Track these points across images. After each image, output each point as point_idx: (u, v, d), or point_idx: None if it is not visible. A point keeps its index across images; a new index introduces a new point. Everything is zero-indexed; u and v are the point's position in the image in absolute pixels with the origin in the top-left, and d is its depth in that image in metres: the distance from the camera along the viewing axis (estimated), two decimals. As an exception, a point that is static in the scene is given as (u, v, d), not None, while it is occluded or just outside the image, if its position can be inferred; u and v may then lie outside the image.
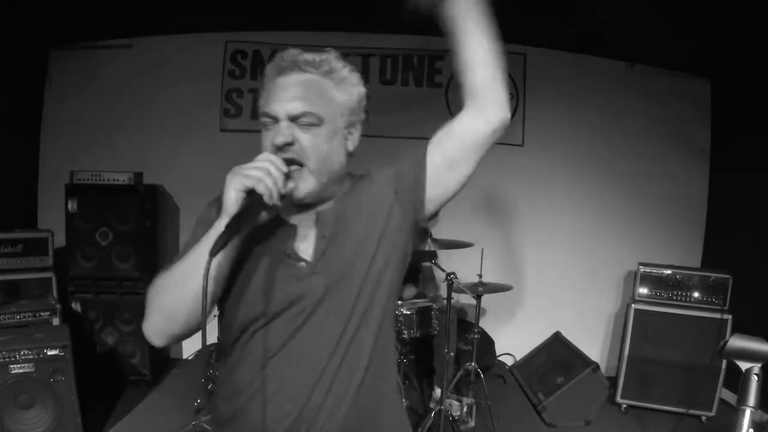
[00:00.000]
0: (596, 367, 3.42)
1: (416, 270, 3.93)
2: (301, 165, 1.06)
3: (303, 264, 1.09)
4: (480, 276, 3.27)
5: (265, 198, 0.97)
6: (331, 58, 1.14)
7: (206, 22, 4.04)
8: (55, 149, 4.14)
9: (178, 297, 1.00)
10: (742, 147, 3.87)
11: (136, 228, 3.67)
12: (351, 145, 1.16)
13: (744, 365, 0.98)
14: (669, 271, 3.68)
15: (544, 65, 4.29)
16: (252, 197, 0.97)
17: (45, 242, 3.36)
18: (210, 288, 0.93)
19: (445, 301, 3.04)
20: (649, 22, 3.47)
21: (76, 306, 3.63)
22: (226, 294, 1.09)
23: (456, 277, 2.95)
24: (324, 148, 1.07)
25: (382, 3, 3.65)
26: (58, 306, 3.19)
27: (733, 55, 3.66)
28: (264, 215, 1.02)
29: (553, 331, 4.16)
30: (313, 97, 1.07)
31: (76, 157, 3.99)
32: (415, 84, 4.33)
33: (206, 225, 1.04)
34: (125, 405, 3.39)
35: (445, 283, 2.96)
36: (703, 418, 3.51)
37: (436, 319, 3.26)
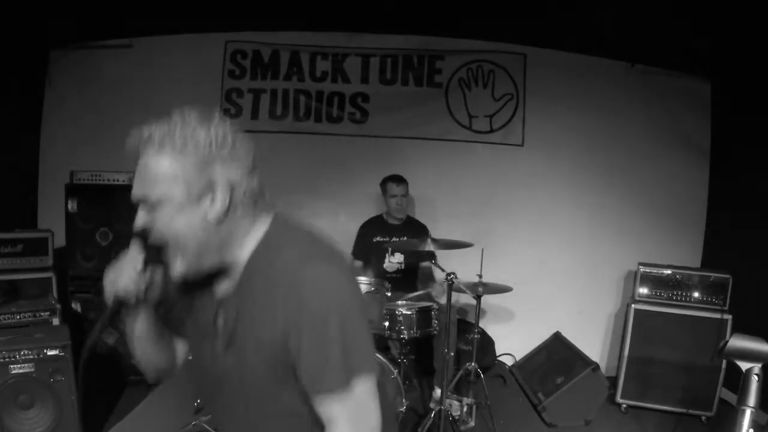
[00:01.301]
0: (596, 367, 3.42)
1: (415, 270, 3.93)
2: (166, 245, 1.07)
3: (218, 343, 1.14)
4: (480, 276, 3.27)
5: (127, 299, 1.08)
6: (170, 127, 1.04)
7: (206, 22, 4.04)
8: (55, 149, 4.14)
9: (141, 351, 1.29)
10: (741, 147, 3.87)
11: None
12: (212, 214, 1.02)
13: (744, 365, 0.98)
14: (669, 271, 3.68)
15: (544, 65, 4.29)
16: (118, 298, 1.08)
17: (45, 242, 3.36)
18: (149, 343, 1.26)
19: (445, 302, 3.04)
20: (649, 22, 3.47)
21: (76, 306, 3.63)
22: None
23: (456, 278, 2.94)
24: (176, 226, 1.03)
25: (383, 3, 3.67)
26: (58, 306, 3.19)
27: (733, 55, 3.66)
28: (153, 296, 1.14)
29: (553, 331, 4.16)
30: (146, 179, 1.05)
31: (76, 157, 3.99)
32: (415, 84, 4.33)
33: None
34: (125, 405, 3.38)
35: (445, 284, 2.96)
36: (703, 418, 3.51)
37: (436, 319, 3.26)
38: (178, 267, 1.06)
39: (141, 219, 1.09)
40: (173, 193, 1.03)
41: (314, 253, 1.06)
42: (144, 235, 1.09)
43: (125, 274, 1.08)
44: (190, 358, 1.31)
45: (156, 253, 1.07)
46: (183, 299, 1.21)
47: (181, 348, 1.34)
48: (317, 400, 0.99)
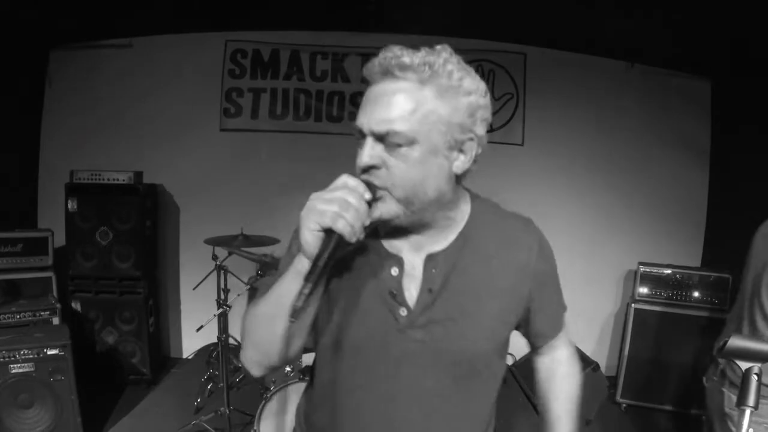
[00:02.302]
0: (596, 366, 3.42)
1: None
2: (384, 190, 0.91)
3: (404, 311, 0.99)
4: (480, 276, 3.27)
5: (347, 236, 0.84)
6: (438, 60, 0.93)
7: (206, 22, 4.04)
8: (55, 149, 4.14)
9: (267, 337, 0.95)
10: (742, 147, 3.86)
11: (136, 227, 3.67)
12: (459, 168, 0.95)
13: (744, 365, 0.98)
14: (669, 271, 3.68)
15: (544, 65, 4.29)
16: (331, 237, 0.84)
17: (45, 242, 3.36)
18: (299, 334, 0.96)
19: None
20: (649, 22, 3.47)
21: (76, 305, 3.63)
22: (323, 325, 1.04)
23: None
24: (415, 175, 0.90)
25: (384, 3, 3.67)
26: (58, 305, 3.19)
27: (733, 55, 3.66)
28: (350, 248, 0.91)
29: (553, 330, 4.16)
30: (404, 113, 0.88)
31: (76, 156, 3.99)
32: (415, 84, 4.33)
33: (292, 256, 0.95)
34: (125, 405, 3.39)
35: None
36: (703, 417, 3.51)
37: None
38: (393, 212, 0.92)
39: (371, 154, 0.91)
40: (432, 135, 0.90)
41: (526, 218, 1.15)
42: (368, 171, 0.92)
43: (350, 207, 0.84)
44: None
45: (374, 192, 0.90)
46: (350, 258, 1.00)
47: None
48: (553, 339, 1.21)
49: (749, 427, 0.94)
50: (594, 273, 4.33)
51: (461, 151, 0.95)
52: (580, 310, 4.29)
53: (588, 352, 3.69)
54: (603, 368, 3.60)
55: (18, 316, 3.05)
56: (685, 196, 4.27)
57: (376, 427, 1.02)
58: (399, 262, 1.00)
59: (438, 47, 0.95)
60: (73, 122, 4.13)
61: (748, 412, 0.95)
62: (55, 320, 3.14)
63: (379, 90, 0.91)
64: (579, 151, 4.33)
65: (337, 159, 4.32)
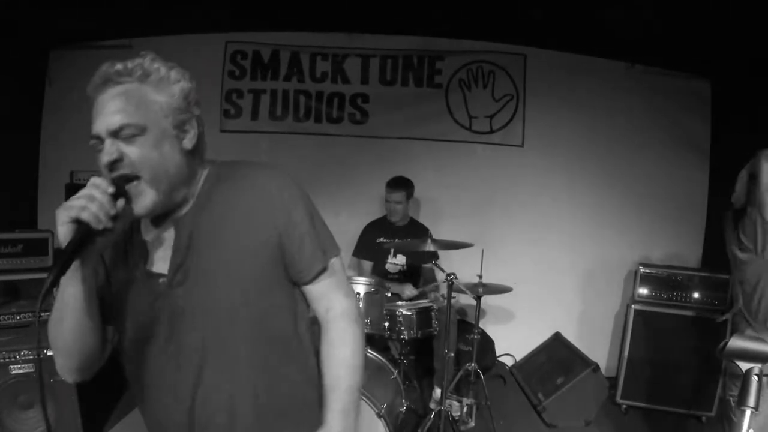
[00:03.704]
0: (596, 367, 3.42)
1: (416, 270, 3.93)
2: (137, 178, 1.03)
3: (161, 280, 1.09)
4: (480, 276, 3.27)
5: (93, 224, 0.94)
6: (144, 61, 1.13)
7: (206, 23, 4.04)
8: (55, 149, 4.14)
9: (62, 340, 1.05)
10: (742, 147, 3.85)
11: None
12: (189, 143, 1.12)
13: (744, 366, 0.98)
14: (669, 272, 3.68)
15: (544, 65, 4.29)
16: (80, 227, 0.94)
17: (45, 242, 3.35)
18: (79, 320, 1.02)
19: (445, 302, 3.04)
20: (649, 22, 3.48)
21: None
22: (115, 319, 1.13)
23: (456, 278, 2.94)
24: (154, 156, 1.04)
25: (383, 4, 3.67)
26: (58, 306, 3.18)
27: (733, 55, 3.66)
28: (106, 240, 1.01)
29: (553, 331, 4.16)
30: (131, 108, 1.04)
31: (76, 157, 3.98)
32: (415, 84, 4.34)
33: None
34: (125, 405, 3.38)
35: (445, 284, 2.96)
36: (703, 418, 3.51)
37: (436, 320, 3.26)
38: (148, 199, 1.04)
39: (110, 150, 1.03)
40: (159, 121, 1.07)
41: (262, 163, 1.24)
42: (114, 168, 1.03)
43: (94, 200, 0.95)
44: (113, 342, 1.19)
45: (124, 187, 1.02)
46: (118, 245, 1.14)
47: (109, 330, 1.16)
48: (313, 283, 1.17)
49: (749, 427, 0.94)
50: (594, 274, 4.33)
51: (185, 130, 1.11)
52: (580, 311, 4.33)
53: (588, 353, 3.68)
54: (603, 369, 3.60)
55: (18, 317, 3.03)
56: (685, 196, 4.27)
57: (177, 395, 1.09)
58: (143, 243, 1.13)
59: (142, 52, 1.15)
60: (73, 122, 4.12)
61: (748, 412, 0.95)
62: (55, 321, 3.14)
63: (104, 97, 1.06)
64: (579, 151, 4.33)
65: (336, 160, 4.36)
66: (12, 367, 2.57)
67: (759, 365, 0.97)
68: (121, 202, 1.00)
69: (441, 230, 3.95)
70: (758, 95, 3.58)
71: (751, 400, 0.95)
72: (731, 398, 2.08)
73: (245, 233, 1.10)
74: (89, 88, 1.09)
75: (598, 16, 3.45)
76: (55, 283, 0.92)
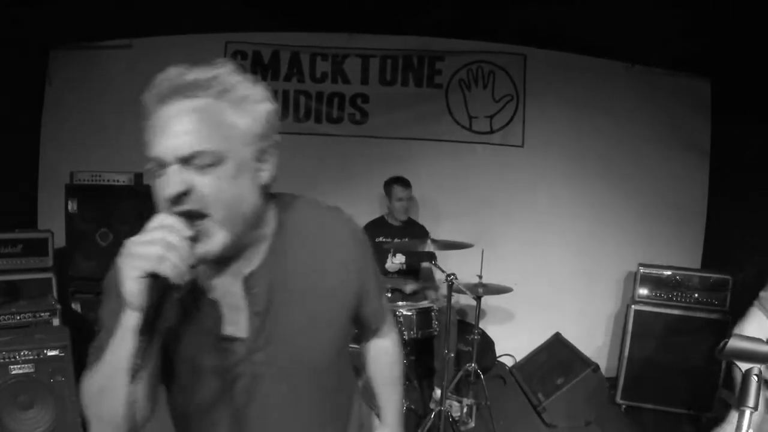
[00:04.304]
0: (596, 367, 3.42)
1: (415, 270, 3.93)
2: (204, 216, 0.84)
3: (239, 345, 0.95)
4: (480, 277, 3.27)
5: (173, 279, 0.78)
6: (223, 72, 0.89)
7: (206, 23, 4.04)
8: (55, 149, 4.14)
9: (109, 408, 0.85)
10: (742, 147, 3.86)
11: (136, 228, 3.55)
12: (266, 177, 0.93)
13: (744, 366, 0.98)
14: (669, 272, 3.68)
15: (544, 65, 4.29)
16: (157, 283, 0.77)
17: (45, 242, 3.35)
18: (141, 394, 0.86)
19: (445, 302, 3.04)
20: (649, 22, 3.48)
21: (76, 307, 3.62)
22: (165, 380, 0.98)
23: (456, 278, 2.94)
24: (230, 193, 0.85)
25: (383, 3, 3.67)
26: (58, 306, 3.18)
27: (733, 55, 3.66)
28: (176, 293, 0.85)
29: (553, 331, 4.16)
30: (205, 130, 0.84)
31: (76, 157, 3.99)
32: (415, 84, 4.33)
33: (115, 310, 0.87)
34: (125, 405, 3.38)
35: (445, 284, 2.96)
36: (703, 418, 3.51)
37: (436, 320, 3.26)
38: (218, 242, 0.85)
39: (180, 180, 0.82)
40: (239, 149, 0.87)
41: (334, 208, 1.10)
42: (178, 201, 0.83)
43: (173, 248, 0.78)
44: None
45: (196, 230, 0.83)
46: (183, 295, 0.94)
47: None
48: (382, 326, 1.23)
49: (749, 427, 0.94)
50: (594, 274, 4.33)
51: (264, 160, 0.92)
52: (580, 311, 4.32)
53: (588, 354, 3.69)
54: (603, 369, 3.60)
55: (18, 317, 3.04)
56: (685, 196, 4.27)
57: None
58: (214, 304, 0.95)
59: (217, 61, 0.91)
60: (73, 122, 4.14)
61: (748, 412, 0.95)
62: (55, 321, 3.14)
63: (171, 111, 0.84)
64: (579, 152, 4.33)
65: (336, 160, 4.36)
66: (12, 367, 2.57)
67: (759, 365, 0.97)
68: (200, 247, 0.83)
69: (441, 230, 3.96)
70: (758, 95, 3.58)
71: (751, 400, 0.95)
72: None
73: (324, 290, 0.99)
74: (150, 97, 0.87)
75: (599, 15, 3.45)
76: (146, 353, 0.77)
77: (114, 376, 0.82)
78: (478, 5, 3.62)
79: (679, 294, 3.63)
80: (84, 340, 3.50)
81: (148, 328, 0.77)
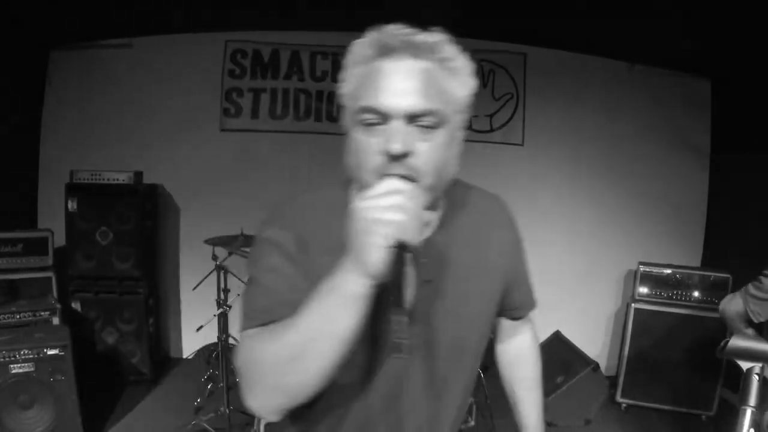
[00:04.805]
0: (596, 366, 3.42)
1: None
2: (413, 182, 0.81)
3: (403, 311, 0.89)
4: (480, 276, 3.27)
5: (414, 246, 0.75)
6: (443, 40, 0.87)
7: (206, 22, 4.04)
8: (55, 149, 4.14)
9: (304, 377, 0.79)
10: (742, 147, 3.87)
11: (136, 228, 3.67)
12: (460, 146, 0.93)
13: (745, 365, 0.98)
14: (669, 271, 3.68)
15: (544, 64, 4.29)
16: (402, 250, 0.74)
17: (45, 242, 3.36)
18: (336, 357, 0.78)
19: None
20: (649, 22, 3.48)
21: (76, 306, 3.63)
22: None
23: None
24: (440, 159, 0.84)
25: (383, 2, 3.66)
26: (58, 306, 3.19)
27: (733, 55, 3.66)
28: None
29: (553, 330, 4.16)
30: (432, 92, 0.82)
31: (76, 157, 3.99)
32: (415, 84, 4.33)
33: (287, 268, 0.86)
34: (125, 405, 3.39)
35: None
36: (703, 417, 3.52)
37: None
38: (423, 204, 0.82)
39: (407, 140, 0.80)
40: (454, 116, 0.87)
41: (493, 193, 1.14)
42: (399, 161, 0.80)
43: (414, 212, 0.75)
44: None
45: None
46: None
47: None
48: (529, 312, 1.23)
49: (750, 427, 0.94)
50: (594, 273, 4.34)
51: (461, 131, 0.93)
52: (580, 310, 4.32)
53: (588, 352, 3.69)
54: (603, 368, 3.60)
55: (18, 316, 3.04)
56: (685, 196, 4.27)
57: (384, 427, 0.98)
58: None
59: (431, 29, 0.89)
60: (73, 122, 4.13)
61: (749, 412, 0.95)
62: (55, 320, 3.14)
63: (401, 67, 0.83)
64: (579, 151, 4.33)
65: (337, 158, 4.35)
66: (12, 366, 2.58)
67: (759, 365, 0.97)
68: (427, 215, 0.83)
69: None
70: (758, 95, 3.58)
71: (752, 400, 0.95)
72: None
73: (485, 267, 1.01)
74: (365, 45, 0.87)
75: (599, 15, 3.45)
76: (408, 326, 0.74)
77: (318, 344, 0.77)
78: (479, 3, 3.62)
79: (680, 293, 3.63)
80: (84, 340, 3.50)
81: (398, 297, 0.75)
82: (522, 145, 4.34)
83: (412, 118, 0.81)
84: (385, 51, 0.85)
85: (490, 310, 1.06)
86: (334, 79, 4.63)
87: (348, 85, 0.88)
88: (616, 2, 3.32)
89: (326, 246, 0.88)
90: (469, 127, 4.40)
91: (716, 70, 4.09)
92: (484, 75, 4.34)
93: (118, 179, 3.65)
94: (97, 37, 4.05)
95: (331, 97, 4.32)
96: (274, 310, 0.85)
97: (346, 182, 0.98)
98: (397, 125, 0.81)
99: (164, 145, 4.17)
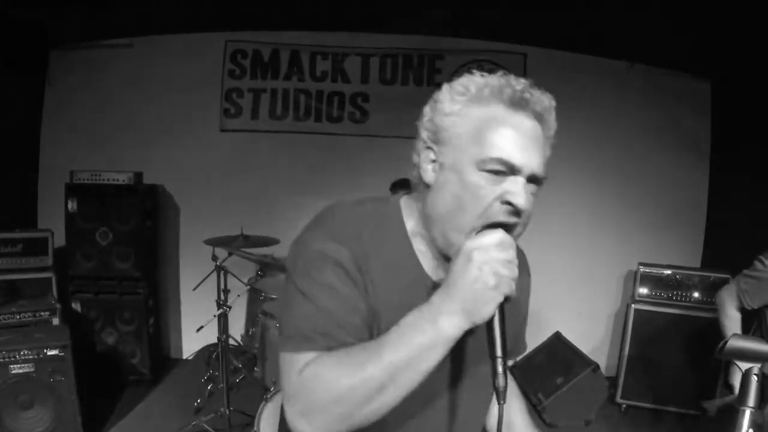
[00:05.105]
0: (596, 367, 3.42)
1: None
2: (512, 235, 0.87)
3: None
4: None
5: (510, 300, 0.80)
6: (551, 106, 0.94)
7: (206, 22, 4.04)
8: (55, 149, 4.14)
9: (380, 406, 0.78)
10: (742, 146, 3.86)
11: (136, 228, 3.67)
12: None
13: (744, 365, 0.98)
14: (669, 271, 3.68)
15: (544, 65, 4.28)
16: (505, 301, 0.80)
17: (45, 242, 3.36)
18: (409, 389, 0.79)
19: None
20: (649, 22, 3.47)
21: (76, 306, 3.63)
22: None
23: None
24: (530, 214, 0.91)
25: (383, 3, 3.67)
26: (58, 306, 3.19)
27: (733, 55, 3.66)
28: None
29: (553, 331, 4.16)
30: (545, 159, 0.90)
31: (76, 157, 3.99)
32: (415, 84, 4.33)
33: (344, 287, 0.86)
34: (125, 405, 3.39)
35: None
36: (703, 417, 3.51)
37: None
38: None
39: (529, 198, 0.86)
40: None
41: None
42: (517, 216, 0.86)
43: (515, 272, 0.80)
44: None
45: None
46: None
47: None
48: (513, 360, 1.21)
49: (749, 427, 0.94)
50: (594, 273, 4.33)
51: None
52: (580, 311, 4.31)
53: (588, 353, 3.69)
54: (603, 369, 3.60)
55: (18, 317, 3.04)
56: (685, 196, 4.27)
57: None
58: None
59: (545, 92, 0.93)
60: (73, 122, 4.13)
61: (748, 412, 0.95)
62: (55, 321, 3.14)
63: (526, 126, 0.87)
64: (579, 150, 4.33)
65: (336, 159, 4.36)
66: (12, 366, 2.58)
67: (759, 365, 0.97)
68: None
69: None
70: (758, 95, 3.58)
71: (751, 400, 0.95)
72: None
73: (518, 310, 1.14)
74: (491, 88, 0.88)
75: (599, 15, 3.45)
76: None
77: (402, 380, 0.77)
78: (479, 4, 3.62)
79: (679, 293, 3.63)
80: (84, 341, 3.49)
81: (502, 345, 0.80)
82: (522, 145, 4.34)
83: (534, 180, 0.86)
84: (511, 102, 0.86)
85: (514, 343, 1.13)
86: (334, 80, 4.66)
87: (463, 124, 0.87)
88: (616, 1, 3.32)
89: (383, 266, 0.89)
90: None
91: (716, 70, 4.08)
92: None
93: (118, 179, 3.65)
94: (97, 37, 4.05)
95: (332, 97, 4.32)
96: (334, 334, 0.82)
97: (386, 198, 1.02)
98: (522, 182, 0.84)
99: (164, 145, 4.17)
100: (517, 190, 0.83)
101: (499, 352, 0.80)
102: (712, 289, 3.57)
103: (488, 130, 0.85)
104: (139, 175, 3.77)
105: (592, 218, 4.34)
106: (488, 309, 0.77)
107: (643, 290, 3.69)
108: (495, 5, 3.59)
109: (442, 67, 4.32)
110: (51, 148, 4.16)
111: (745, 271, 2.22)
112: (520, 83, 0.87)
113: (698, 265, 4.16)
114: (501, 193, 0.84)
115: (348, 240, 0.89)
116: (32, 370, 2.61)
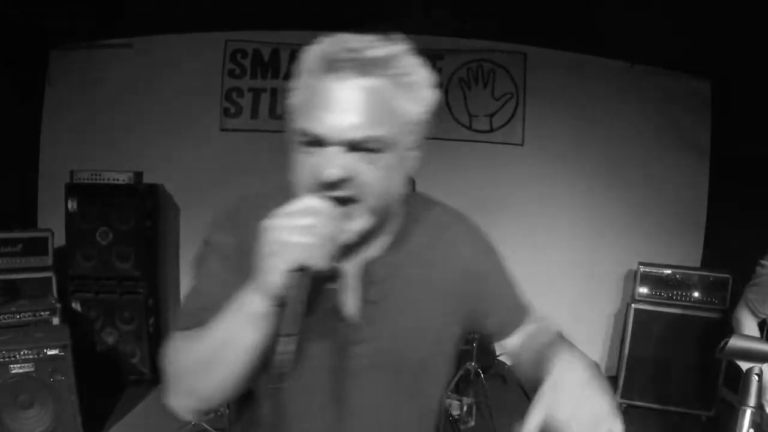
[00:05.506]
0: (596, 366, 3.42)
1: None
2: (354, 202, 0.79)
3: (345, 327, 0.89)
4: (480, 276, 3.26)
5: (320, 271, 0.73)
6: (401, 52, 0.82)
7: (206, 22, 4.04)
8: (55, 149, 4.14)
9: (210, 385, 0.81)
10: (742, 146, 3.87)
11: (136, 228, 3.67)
12: (413, 167, 0.89)
13: (744, 365, 0.98)
14: (669, 271, 3.68)
15: (544, 65, 4.29)
16: (304, 274, 0.71)
17: (45, 242, 3.36)
18: (240, 370, 0.78)
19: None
20: (649, 22, 3.47)
21: (76, 306, 3.63)
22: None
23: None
24: (385, 181, 0.80)
25: (383, 2, 3.67)
26: (58, 306, 3.19)
27: (733, 55, 3.66)
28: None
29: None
30: (379, 114, 0.77)
31: (76, 157, 3.99)
32: (415, 84, 4.33)
33: (224, 273, 0.85)
34: (125, 405, 3.38)
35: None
36: (703, 417, 3.51)
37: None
38: (359, 226, 0.81)
39: (343, 165, 0.76)
40: (404, 137, 0.82)
41: (459, 213, 1.08)
42: (335, 186, 0.76)
43: (326, 236, 0.72)
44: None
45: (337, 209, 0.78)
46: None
47: None
48: (520, 324, 1.04)
49: (749, 427, 0.94)
50: (594, 273, 4.33)
51: (416, 148, 0.88)
52: (580, 310, 4.32)
53: (588, 353, 3.66)
54: (603, 368, 3.61)
55: (18, 316, 3.04)
56: (685, 196, 4.27)
57: None
58: (332, 289, 0.89)
59: (392, 36, 0.82)
60: (73, 122, 4.13)
61: (748, 412, 0.95)
62: (55, 320, 3.14)
63: (345, 87, 0.76)
64: (579, 151, 4.33)
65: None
66: (12, 366, 2.57)
67: (759, 365, 0.97)
68: (346, 230, 0.78)
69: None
70: (758, 95, 3.58)
71: (752, 400, 0.96)
72: None
73: (436, 291, 0.94)
74: (313, 58, 0.79)
75: (599, 15, 3.45)
76: (293, 353, 0.70)
77: (225, 354, 0.78)
78: (479, 4, 3.62)
79: (679, 293, 3.63)
80: (84, 340, 3.49)
81: (296, 327, 0.70)
82: (522, 145, 4.34)
83: (352, 145, 0.77)
84: (329, 66, 0.77)
85: (449, 330, 0.98)
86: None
87: (296, 96, 0.81)
88: (616, 2, 3.32)
89: None
90: (469, 127, 4.40)
91: (716, 70, 4.08)
92: (484, 75, 4.34)
93: (118, 179, 3.65)
94: (97, 37, 4.05)
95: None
96: (200, 315, 0.83)
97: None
98: (333, 151, 0.76)
99: (164, 145, 4.17)
100: (321, 161, 0.76)
101: (289, 329, 0.70)
102: (712, 289, 3.57)
103: (305, 100, 0.79)
104: (139, 175, 3.77)
105: (592, 218, 4.34)
106: (271, 279, 0.71)
107: (643, 290, 3.69)
108: (495, 5, 3.59)
109: (442, 66, 4.31)
110: (51, 148, 4.16)
111: (749, 283, 2.12)
112: (347, 43, 0.78)
113: (698, 265, 4.17)
114: (311, 168, 0.77)
115: (236, 228, 0.92)
116: (32, 369, 2.61)
